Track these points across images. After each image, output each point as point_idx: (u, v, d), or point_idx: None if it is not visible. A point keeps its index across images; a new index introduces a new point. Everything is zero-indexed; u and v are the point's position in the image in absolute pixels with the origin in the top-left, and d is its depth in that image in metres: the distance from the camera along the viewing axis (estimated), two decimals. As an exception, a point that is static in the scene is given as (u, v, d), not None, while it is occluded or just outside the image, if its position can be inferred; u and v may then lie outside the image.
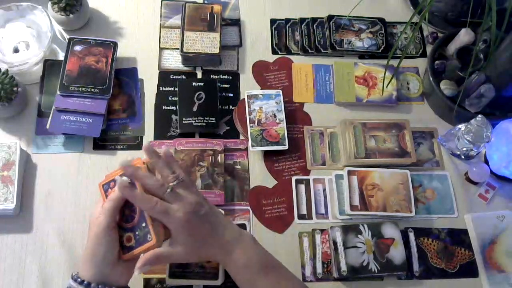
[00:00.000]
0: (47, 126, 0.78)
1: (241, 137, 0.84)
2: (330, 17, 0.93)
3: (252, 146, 0.80)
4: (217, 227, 0.61)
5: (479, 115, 0.78)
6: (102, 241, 0.57)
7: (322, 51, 0.92)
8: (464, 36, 0.85)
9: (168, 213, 0.58)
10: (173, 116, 0.84)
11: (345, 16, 0.92)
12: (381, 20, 0.95)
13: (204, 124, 0.82)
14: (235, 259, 0.60)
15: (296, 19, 0.95)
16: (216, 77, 0.88)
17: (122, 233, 0.60)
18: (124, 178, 0.59)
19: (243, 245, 0.61)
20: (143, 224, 0.59)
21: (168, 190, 0.59)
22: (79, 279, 0.57)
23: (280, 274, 0.62)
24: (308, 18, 0.95)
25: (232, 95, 0.87)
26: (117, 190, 0.59)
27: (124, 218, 0.60)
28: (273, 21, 0.95)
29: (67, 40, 0.83)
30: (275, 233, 0.77)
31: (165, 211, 0.58)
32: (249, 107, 0.83)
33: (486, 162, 0.84)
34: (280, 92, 0.86)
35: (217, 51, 0.86)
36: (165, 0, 0.93)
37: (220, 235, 0.61)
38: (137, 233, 0.59)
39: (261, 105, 0.84)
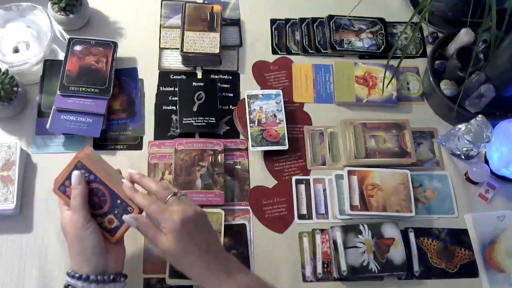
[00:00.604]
0: (47, 126, 0.78)
1: (241, 137, 0.84)
2: (330, 17, 0.93)
3: (252, 146, 0.80)
4: (211, 246, 0.59)
5: (479, 115, 0.78)
6: (85, 235, 0.58)
7: (322, 51, 0.92)
8: (464, 36, 0.85)
9: (165, 213, 0.57)
10: (173, 116, 0.84)
11: (345, 16, 0.92)
12: (381, 20, 0.95)
13: (204, 124, 0.82)
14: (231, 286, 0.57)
15: (296, 19, 0.95)
16: (216, 77, 0.88)
17: (102, 220, 0.61)
18: (76, 171, 0.61)
19: (241, 277, 0.58)
20: (118, 201, 0.60)
21: (172, 194, 0.59)
22: (77, 275, 0.57)
23: None
24: (308, 18, 0.95)
25: (232, 95, 0.87)
26: (77, 186, 0.60)
27: (96, 206, 0.62)
28: (273, 21, 0.95)
29: (67, 40, 0.83)
30: (275, 233, 0.77)
31: (163, 210, 0.58)
32: (249, 107, 0.83)
33: (486, 162, 0.84)
34: (280, 92, 0.86)
35: (217, 51, 0.86)
36: (165, 0, 0.93)
37: (211, 255, 0.58)
38: (116, 212, 0.61)
39: (261, 105, 0.84)
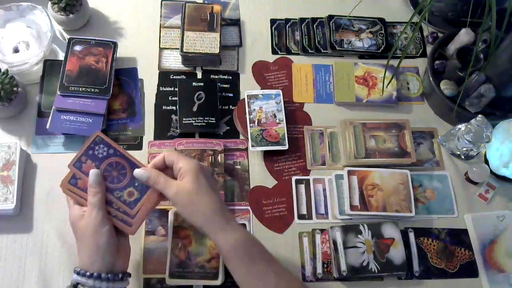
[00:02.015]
0: (47, 126, 0.78)
1: (241, 137, 0.84)
2: (330, 17, 0.93)
3: (252, 146, 0.80)
4: (219, 197, 0.62)
5: (479, 115, 0.78)
6: (102, 232, 0.58)
7: (322, 51, 0.92)
8: (464, 36, 0.85)
9: (184, 157, 0.62)
10: (173, 116, 0.84)
11: (345, 16, 0.92)
12: (381, 20, 0.95)
13: (204, 124, 0.82)
14: (229, 232, 0.60)
15: (296, 19, 0.95)
16: (216, 77, 0.88)
17: (121, 193, 0.62)
18: (94, 170, 0.61)
19: (239, 226, 0.61)
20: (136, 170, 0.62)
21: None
22: (87, 273, 0.57)
23: (270, 260, 0.61)
24: (308, 18, 0.95)
25: (232, 95, 0.87)
26: (94, 186, 0.60)
27: (115, 180, 0.62)
28: (273, 21, 0.95)
29: (67, 40, 0.83)
30: (275, 233, 0.77)
31: (181, 155, 0.63)
32: (249, 107, 0.83)
33: (486, 162, 0.84)
34: (280, 92, 0.86)
35: (217, 51, 0.86)
36: (165, 0, 0.93)
37: (219, 204, 0.61)
38: (136, 184, 0.62)
39: (261, 105, 0.84)
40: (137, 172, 0.63)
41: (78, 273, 0.57)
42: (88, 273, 0.57)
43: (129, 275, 0.62)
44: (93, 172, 0.61)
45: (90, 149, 0.63)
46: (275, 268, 0.60)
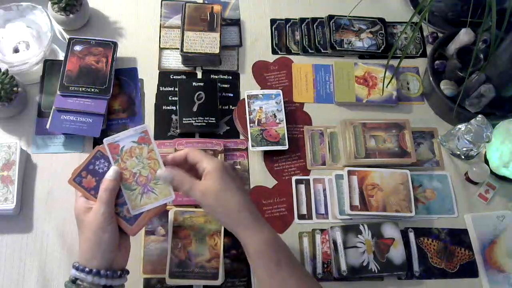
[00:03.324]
0: (47, 126, 0.78)
1: (241, 137, 0.84)
2: (330, 17, 0.93)
3: (252, 146, 0.80)
4: (246, 194, 0.62)
5: (479, 115, 0.78)
6: (107, 229, 0.58)
7: (322, 51, 0.92)
8: (464, 36, 0.85)
9: (207, 156, 0.62)
10: (173, 116, 0.84)
11: (345, 16, 0.92)
12: (381, 20, 0.95)
13: (204, 124, 0.82)
14: (256, 234, 0.59)
15: (296, 19, 0.95)
16: (216, 77, 0.88)
17: (120, 209, 0.61)
18: (115, 167, 0.61)
19: (268, 226, 0.61)
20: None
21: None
22: (86, 269, 0.56)
23: (295, 267, 0.60)
24: (308, 18, 0.95)
25: (232, 95, 0.87)
26: (111, 179, 0.60)
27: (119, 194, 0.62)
28: (273, 21, 0.95)
29: (67, 40, 0.83)
30: (275, 233, 0.77)
31: (204, 154, 0.62)
32: (249, 107, 0.83)
33: (486, 162, 0.84)
34: (280, 92, 0.86)
35: (217, 51, 0.86)
36: (165, 0, 0.93)
37: (245, 203, 0.60)
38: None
39: (261, 105, 0.84)
40: (160, 173, 0.61)
41: (77, 269, 0.57)
42: (87, 269, 0.56)
43: (127, 272, 0.62)
44: (113, 168, 0.61)
45: (90, 164, 0.62)
46: (298, 271, 0.60)
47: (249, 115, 0.83)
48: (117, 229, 0.60)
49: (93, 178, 0.62)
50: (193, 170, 0.63)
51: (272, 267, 0.58)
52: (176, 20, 0.92)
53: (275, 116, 0.83)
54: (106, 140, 0.62)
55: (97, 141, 0.80)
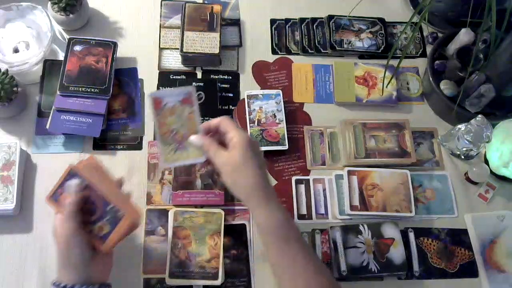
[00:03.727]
0: (47, 126, 0.78)
1: (241, 137, 0.84)
2: (330, 17, 0.93)
3: (252, 146, 0.80)
4: (264, 169, 0.63)
5: (479, 115, 0.78)
6: (73, 243, 0.58)
7: (322, 51, 0.92)
8: (464, 36, 0.85)
9: (237, 129, 0.63)
10: (173, 116, 0.84)
11: (345, 16, 0.92)
12: (381, 20, 0.95)
13: (204, 124, 0.82)
14: (268, 210, 0.61)
15: (296, 19, 0.95)
16: (216, 77, 0.88)
17: (92, 227, 0.61)
18: (74, 180, 0.61)
19: (280, 206, 0.62)
20: (109, 207, 0.60)
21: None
22: (61, 285, 0.57)
23: (303, 246, 0.61)
24: (308, 18, 0.95)
25: (232, 95, 0.87)
26: (71, 194, 0.60)
27: (88, 212, 0.61)
28: (273, 21, 0.95)
29: (67, 40, 0.83)
30: (275, 233, 0.77)
31: (236, 126, 0.64)
32: (249, 107, 0.83)
33: (486, 162, 0.84)
34: (280, 92, 0.86)
35: (217, 51, 0.86)
36: (165, 0, 0.93)
37: (261, 180, 0.62)
38: (106, 218, 0.60)
39: (261, 105, 0.84)
40: (192, 138, 0.65)
41: (54, 284, 0.58)
42: (62, 285, 0.57)
43: (109, 285, 0.61)
44: (72, 182, 0.61)
45: (65, 181, 0.62)
46: (305, 250, 0.61)
47: (249, 115, 0.83)
48: (87, 242, 0.59)
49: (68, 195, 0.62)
50: (221, 137, 0.66)
51: (282, 245, 0.60)
52: (176, 20, 0.92)
53: (275, 116, 0.83)
54: (151, 94, 0.65)
55: (97, 141, 0.80)
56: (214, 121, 0.65)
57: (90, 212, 0.61)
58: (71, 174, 0.62)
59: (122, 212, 0.59)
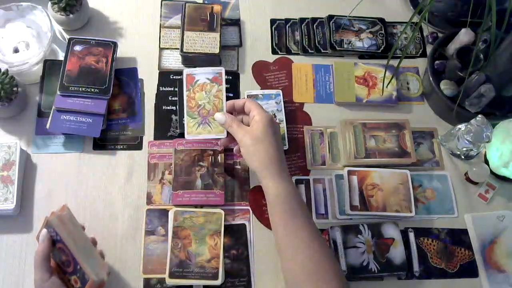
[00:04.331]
0: (47, 126, 0.78)
1: (241, 137, 0.84)
2: (330, 17, 0.93)
3: (252, 146, 0.80)
4: (280, 147, 0.69)
5: (479, 115, 0.78)
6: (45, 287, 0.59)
7: (322, 51, 0.92)
8: (464, 36, 0.85)
9: (261, 108, 0.70)
10: (173, 116, 0.84)
11: (345, 16, 0.92)
12: (381, 20, 0.95)
13: (204, 124, 0.82)
14: (278, 181, 0.65)
15: (296, 19, 0.95)
16: (216, 77, 0.88)
17: (70, 277, 0.62)
18: (44, 230, 0.62)
19: (290, 180, 0.67)
20: (78, 267, 0.61)
21: None
22: None
23: (309, 221, 0.64)
24: (308, 18, 0.95)
25: (232, 95, 0.87)
26: (40, 243, 0.61)
27: (65, 263, 0.62)
28: (273, 21, 0.95)
29: (67, 40, 0.83)
30: (275, 233, 0.77)
31: (259, 105, 0.70)
32: (249, 107, 0.83)
33: (486, 162, 0.84)
34: (280, 92, 0.86)
35: (217, 51, 0.86)
36: (165, 0, 0.93)
37: (278, 155, 0.67)
38: (78, 275, 0.62)
39: (261, 105, 0.84)
40: (217, 115, 0.72)
41: None
42: None
43: None
44: (43, 231, 0.62)
45: (46, 228, 0.63)
46: (311, 227, 0.64)
47: (249, 115, 0.83)
48: (60, 285, 0.60)
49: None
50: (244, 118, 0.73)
51: (287, 216, 0.64)
52: (176, 20, 0.92)
53: (275, 116, 0.83)
54: (186, 71, 0.75)
55: (97, 141, 0.80)
56: (239, 101, 0.72)
57: (67, 264, 0.62)
58: (48, 225, 0.62)
59: (88, 276, 0.61)
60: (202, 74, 0.76)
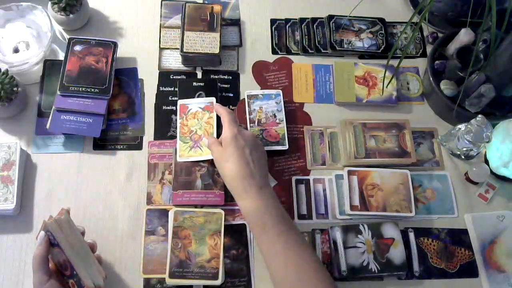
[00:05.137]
0: (47, 126, 0.78)
1: (241, 137, 0.84)
2: (330, 17, 0.93)
3: (252, 146, 0.80)
4: (252, 163, 0.68)
5: (479, 115, 0.78)
6: None
7: (322, 51, 0.92)
8: (464, 36, 0.85)
9: (230, 125, 0.71)
10: (173, 116, 0.84)
11: (345, 16, 0.92)
12: (381, 20, 0.95)
13: (204, 124, 0.82)
14: (244, 198, 0.66)
15: (296, 19, 0.95)
16: (216, 77, 0.88)
17: (67, 280, 0.63)
18: (42, 232, 0.62)
19: (259, 195, 0.66)
20: (74, 272, 0.61)
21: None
22: None
23: (281, 234, 0.64)
24: (308, 18, 0.95)
25: (232, 95, 0.87)
26: (37, 246, 0.61)
27: (63, 266, 0.62)
28: (273, 21, 0.95)
29: (67, 40, 0.83)
30: (275, 233, 0.77)
31: (231, 122, 0.71)
32: (249, 107, 0.83)
33: (486, 162, 0.84)
34: (280, 92, 0.86)
35: (217, 51, 0.86)
36: (165, 0, 0.93)
37: (239, 173, 0.67)
38: (75, 279, 0.62)
39: (261, 105, 0.84)
40: (204, 140, 0.77)
41: None
42: None
43: None
44: (40, 234, 0.62)
45: (44, 231, 0.63)
46: (285, 238, 0.63)
47: (249, 115, 0.83)
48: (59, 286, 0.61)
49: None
50: None
51: (258, 231, 0.65)
52: (176, 20, 0.92)
53: (275, 116, 0.83)
54: (180, 101, 0.82)
55: (97, 141, 0.80)
56: (218, 111, 0.76)
57: (65, 267, 0.62)
58: (45, 229, 0.62)
59: (84, 282, 0.61)
60: (195, 104, 0.82)
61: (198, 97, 0.84)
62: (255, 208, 0.65)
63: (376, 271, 0.73)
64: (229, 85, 0.88)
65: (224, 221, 0.75)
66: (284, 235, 0.64)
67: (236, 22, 0.93)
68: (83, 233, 0.66)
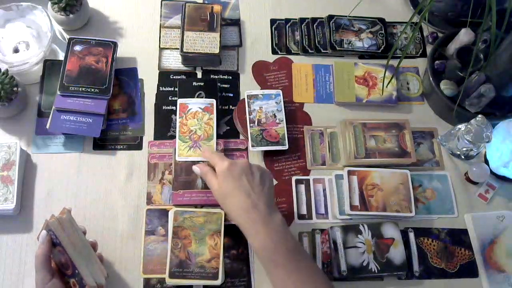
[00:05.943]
0: (47, 126, 0.78)
1: (241, 137, 0.84)
2: (330, 17, 0.93)
3: (252, 146, 0.80)
4: (253, 192, 0.65)
5: (479, 115, 0.78)
6: None
7: (322, 51, 0.92)
8: (464, 36, 0.85)
9: (221, 160, 0.68)
10: (173, 116, 0.84)
11: (345, 16, 0.92)
12: (381, 20, 0.95)
13: (204, 124, 0.82)
14: (252, 235, 0.64)
15: (296, 19, 0.95)
16: (216, 77, 0.88)
17: (68, 279, 0.63)
18: (44, 231, 0.62)
19: (267, 229, 0.63)
20: (76, 271, 0.62)
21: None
22: None
23: (292, 271, 0.61)
24: (308, 18, 0.95)
25: (232, 95, 0.87)
26: (40, 245, 0.61)
27: (64, 266, 0.63)
28: (273, 21, 0.95)
29: (67, 40, 0.83)
30: (275, 233, 0.77)
31: (220, 158, 0.69)
32: (249, 107, 0.83)
33: (486, 162, 0.84)
34: (280, 92, 0.86)
35: (217, 51, 0.86)
36: (165, 0, 0.93)
37: (249, 200, 0.64)
38: (76, 279, 0.62)
39: (261, 105, 0.84)
40: (194, 167, 0.73)
41: None
42: None
43: None
44: (42, 233, 0.62)
45: (46, 230, 0.63)
46: (296, 276, 0.61)
47: (249, 115, 0.83)
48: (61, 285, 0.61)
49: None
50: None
51: (270, 267, 0.63)
52: (176, 20, 0.92)
53: (275, 116, 0.83)
54: (180, 100, 0.82)
55: (97, 141, 0.80)
56: (205, 155, 0.73)
57: (66, 266, 0.62)
58: (48, 228, 0.62)
59: (85, 281, 0.61)
60: (195, 104, 0.81)
61: (198, 97, 0.84)
62: (264, 247, 0.62)
63: (376, 271, 0.73)
64: (229, 85, 0.88)
65: (224, 221, 0.75)
66: (295, 273, 0.62)
67: (236, 22, 0.93)
68: (84, 233, 0.67)
